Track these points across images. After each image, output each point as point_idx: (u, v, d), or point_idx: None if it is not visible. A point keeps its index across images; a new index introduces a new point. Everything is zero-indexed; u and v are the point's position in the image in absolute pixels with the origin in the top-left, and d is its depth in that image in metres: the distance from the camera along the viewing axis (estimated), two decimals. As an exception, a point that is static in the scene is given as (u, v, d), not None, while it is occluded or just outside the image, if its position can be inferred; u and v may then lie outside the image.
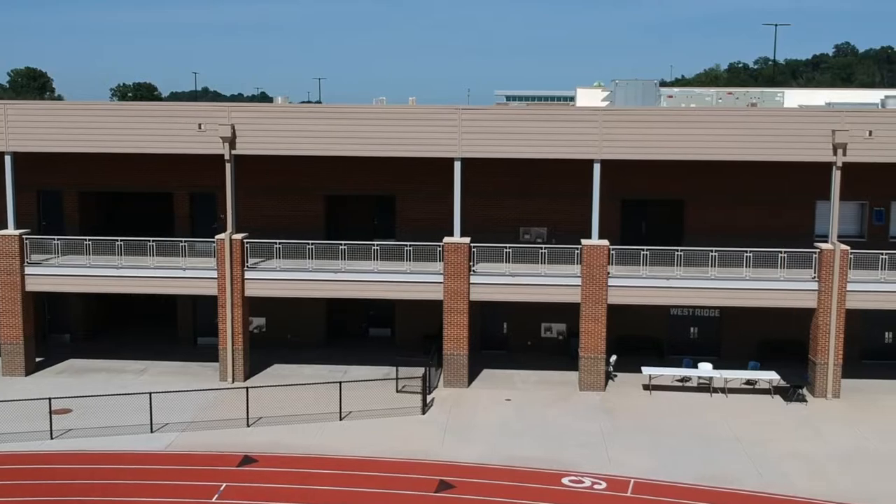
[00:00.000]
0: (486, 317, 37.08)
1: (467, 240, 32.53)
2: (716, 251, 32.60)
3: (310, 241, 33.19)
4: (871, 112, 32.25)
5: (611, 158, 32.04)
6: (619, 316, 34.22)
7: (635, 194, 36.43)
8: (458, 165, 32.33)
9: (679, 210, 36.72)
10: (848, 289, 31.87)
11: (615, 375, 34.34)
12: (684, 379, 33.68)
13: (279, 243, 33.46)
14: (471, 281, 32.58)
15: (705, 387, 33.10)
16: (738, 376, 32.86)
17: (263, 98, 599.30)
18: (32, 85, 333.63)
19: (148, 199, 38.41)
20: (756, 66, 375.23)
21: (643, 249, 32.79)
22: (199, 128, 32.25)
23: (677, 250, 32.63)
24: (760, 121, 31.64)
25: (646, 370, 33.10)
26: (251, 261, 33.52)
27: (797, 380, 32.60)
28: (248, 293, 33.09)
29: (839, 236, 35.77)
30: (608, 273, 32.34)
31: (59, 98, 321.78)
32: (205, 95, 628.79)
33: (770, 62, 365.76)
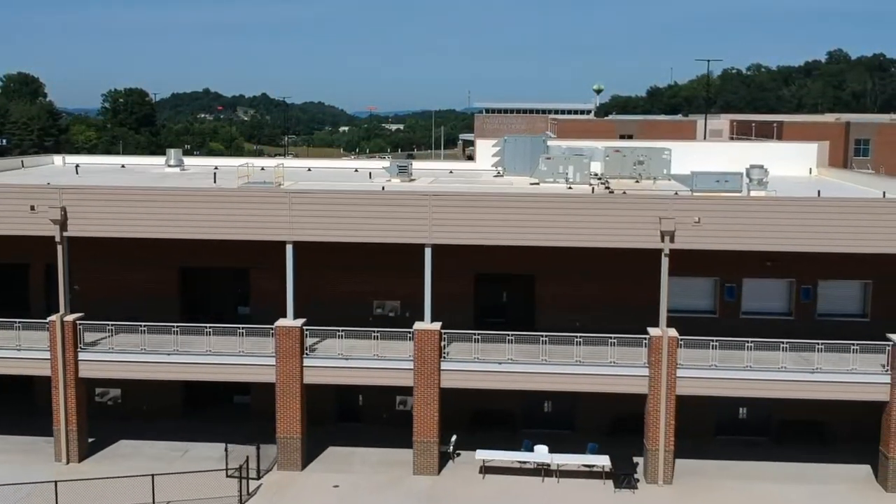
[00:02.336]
0: (341, 388, 36.94)
1: (299, 323, 32.48)
2: (546, 336, 32.46)
3: (142, 324, 33.11)
4: (699, 199, 32.09)
5: (441, 244, 31.95)
6: (473, 389, 34.03)
7: (488, 268, 36.28)
8: (290, 249, 32.26)
9: (531, 285, 36.61)
10: (678, 375, 31.73)
11: (457, 454, 34.22)
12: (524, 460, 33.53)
13: (111, 325, 33.42)
14: (304, 364, 32.52)
15: (544, 469, 32.91)
16: (570, 461, 32.71)
17: (265, 99, 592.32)
18: (24, 90, 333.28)
19: (6, 270, 38.32)
20: (749, 73, 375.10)
21: (475, 333, 32.69)
22: (32, 209, 32.23)
23: (508, 335, 32.50)
24: (589, 207, 31.55)
25: (479, 454, 32.97)
26: (93, 337, 33.52)
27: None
28: (82, 374, 33.06)
29: (691, 312, 36.15)
30: (442, 356, 32.25)
31: (50, 103, 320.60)
32: (206, 96, 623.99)
33: (762, 68, 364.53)
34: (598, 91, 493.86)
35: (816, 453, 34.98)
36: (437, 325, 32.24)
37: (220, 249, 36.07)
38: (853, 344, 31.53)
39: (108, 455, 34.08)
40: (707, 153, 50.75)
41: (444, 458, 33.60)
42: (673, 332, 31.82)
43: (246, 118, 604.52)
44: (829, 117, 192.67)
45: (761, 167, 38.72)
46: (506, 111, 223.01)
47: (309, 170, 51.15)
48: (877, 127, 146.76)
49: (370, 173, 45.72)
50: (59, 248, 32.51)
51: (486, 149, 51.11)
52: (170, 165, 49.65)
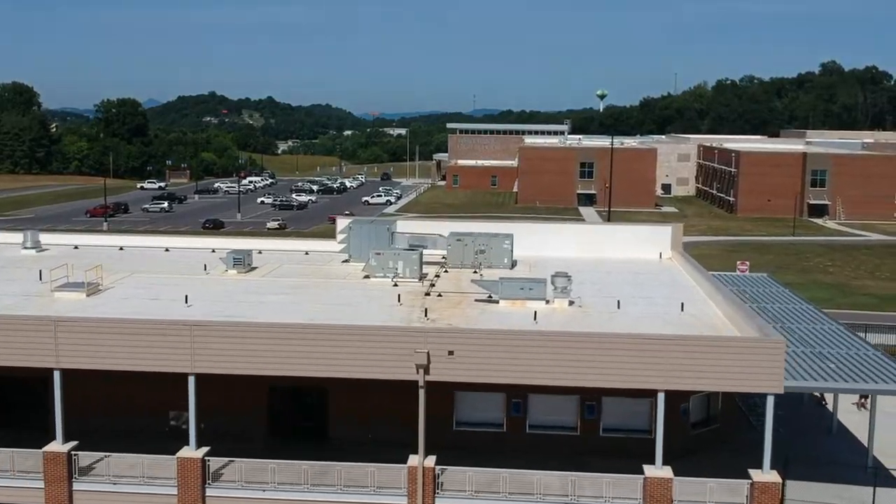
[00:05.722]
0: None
1: (67, 448, 32.95)
2: (307, 464, 32.85)
3: (-85, 447, 33.69)
4: (453, 332, 32.34)
5: (203, 373, 32.39)
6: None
7: (282, 381, 36.61)
8: (57, 375, 32.74)
9: (324, 397, 37.04)
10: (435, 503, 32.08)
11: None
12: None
13: None
14: (73, 488, 32.99)
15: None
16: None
17: (270, 102, 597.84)
18: (18, 100, 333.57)
19: None
20: (743, 83, 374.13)
21: (239, 460, 33.10)
22: None
23: (272, 463, 32.91)
24: (346, 339, 31.86)
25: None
26: None
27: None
28: None
29: (482, 423, 36.53)
30: (206, 482, 32.69)
31: (43, 112, 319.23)
32: (212, 99, 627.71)
33: (755, 80, 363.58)
34: (602, 96, 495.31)
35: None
36: (200, 453, 32.67)
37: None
38: (606, 477, 31.80)
39: None
40: (557, 236, 51.13)
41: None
42: (430, 462, 32.16)
43: (251, 121, 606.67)
44: (800, 143, 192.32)
45: (566, 275, 38.92)
46: (480, 132, 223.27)
47: (167, 250, 51.76)
48: (832, 158, 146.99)
49: (205, 266, 46.14)
50: None
51: (341, 224, 51.41)
52: (25, 248, 50.20)
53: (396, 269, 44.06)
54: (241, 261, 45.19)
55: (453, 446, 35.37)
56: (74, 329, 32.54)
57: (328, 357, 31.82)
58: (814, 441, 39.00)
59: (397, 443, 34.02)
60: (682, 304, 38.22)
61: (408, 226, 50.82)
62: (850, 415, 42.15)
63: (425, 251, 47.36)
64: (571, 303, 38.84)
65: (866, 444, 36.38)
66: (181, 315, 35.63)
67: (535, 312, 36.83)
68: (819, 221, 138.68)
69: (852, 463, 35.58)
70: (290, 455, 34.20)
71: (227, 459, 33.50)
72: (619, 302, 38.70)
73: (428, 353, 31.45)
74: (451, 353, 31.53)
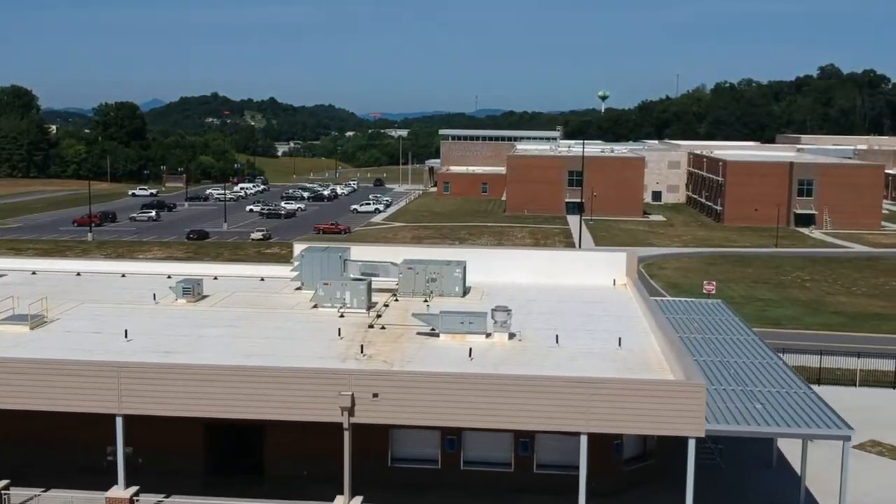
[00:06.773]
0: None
1: (3, 484, 33.21)
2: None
3: None
4: (376, 374, 32.45)
5: (132, 414, 32.56)
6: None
7: (218, 419, 36.78)
8: (-13, 415, 32.98)
9: (260, 435, 37.18)
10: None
11: None
12: None
13: None
14: (4, 525, 33.25)
15: None
16: None
17: (273, 103, 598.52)
18: (16, 103, 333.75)
19: None
20: (741, 87, 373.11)
21: (168, 500, 33.28)
22: None
23: (200, 501, 33.08)
24: (270, 382, 32.01)
25: None
26: None
27: None
28: None
29: (418, 460, 36.73)
30: (137, 522, 32.91)
31: (40, 116, 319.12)
32: (214, 100, 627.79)
33: (753, 84, 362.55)
34: (604, 97, 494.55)
35: None
36: (128, 493, 32.90)
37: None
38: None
39: None
40: (512, 261, 51.24)
41: None
42: (356, 503, 32.33)
43: (253, 122, 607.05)
44: (791, 150, 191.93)
45: (506, 309, 38.98)
46: (472, 139, 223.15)
47: (123, 276, 51.89)
48: (819, 167, 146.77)
49: (155, 295, 46.23)
50: None
51: (299, 248, 51.48)
52: (-18, 274, 50.39)
53: (344, 299, 44.15)
54: (191, 290, 45.30)
55: (389, 483, 35.71)
56: (4, 370, 32.72)
57: (254, 399, 32.00)
58: (752, 475, 39.06)
59: (335, 479, 34.17)
60: (620, 339, 38.21)
61: (362, 252, 50.92)
62: (793, 446, 42.12)
63: (378, 279, 47.49)
64: (512, 336, 38.91)
65: (804, 480, 36.42)
66: (118, 351, 35.86)
67: (471, 349, 36.87)
68: (805, 231, 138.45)
69: (784, 501, 35.62)
70: (226, 492, 34.48)
71: (156, 499, 33.71)
72: (557, 336, 38.71)
73: (353, 395, 31.60)
74: (375, 395, 31.66)
